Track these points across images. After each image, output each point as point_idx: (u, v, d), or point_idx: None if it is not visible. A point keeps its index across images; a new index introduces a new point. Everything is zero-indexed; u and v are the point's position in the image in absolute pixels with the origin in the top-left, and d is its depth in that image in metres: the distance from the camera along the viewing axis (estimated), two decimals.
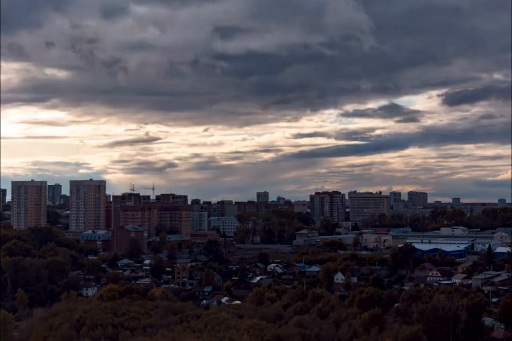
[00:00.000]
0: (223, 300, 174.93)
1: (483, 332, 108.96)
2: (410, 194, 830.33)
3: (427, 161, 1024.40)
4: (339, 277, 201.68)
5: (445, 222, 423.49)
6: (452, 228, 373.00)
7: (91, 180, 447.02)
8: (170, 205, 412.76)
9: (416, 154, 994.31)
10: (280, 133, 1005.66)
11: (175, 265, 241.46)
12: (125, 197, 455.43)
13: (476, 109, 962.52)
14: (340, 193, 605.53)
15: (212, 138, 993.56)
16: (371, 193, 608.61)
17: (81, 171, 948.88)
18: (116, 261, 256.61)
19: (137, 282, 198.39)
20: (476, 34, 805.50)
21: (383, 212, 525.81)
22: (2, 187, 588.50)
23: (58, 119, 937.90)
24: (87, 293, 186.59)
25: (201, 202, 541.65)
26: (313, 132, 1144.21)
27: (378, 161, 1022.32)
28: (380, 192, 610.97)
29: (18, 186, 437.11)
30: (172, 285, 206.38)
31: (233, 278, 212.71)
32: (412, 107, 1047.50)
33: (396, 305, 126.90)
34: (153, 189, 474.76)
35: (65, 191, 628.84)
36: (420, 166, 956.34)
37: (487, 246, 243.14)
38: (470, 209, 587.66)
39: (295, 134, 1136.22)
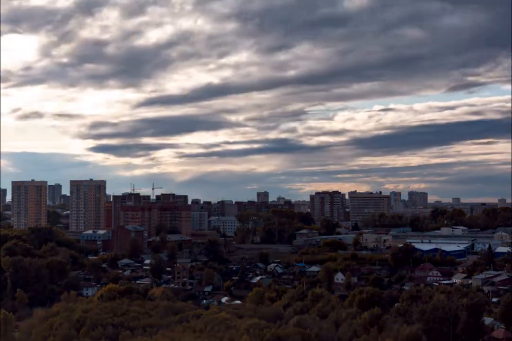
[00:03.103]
0: (223, 300, 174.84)
1: (483, 332, 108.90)
2: (410, 193, 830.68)
3: None
4: (339, 277, 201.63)
5: (445, 222, 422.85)
6: (452, 228, 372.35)
7: (91, 179, 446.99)
8: (170, 204, 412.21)
9: None
10: None
11: (175, 265, 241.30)
12: (125, 197, 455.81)
13: None
14: (340, 192, 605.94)
15: None
16: (371, 193, 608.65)
17: None
18: (116, 261, 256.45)
19: (137, 282, 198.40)
20: None
21: (383, 212, 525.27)
22: (2, 187, 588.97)
23: None
24: (87, 293, 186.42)
25: (201, 202, 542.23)
26: None
27: None
28: (380, 192, 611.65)
29: (18, 186, 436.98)
30: (172, 285, 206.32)
31: (233, 278, 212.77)
32: None
33: (396, 305, 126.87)
34: (153, 189, 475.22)
35: (65, 191, 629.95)
36: None
37: (487, 245, 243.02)
38: (470, 209, 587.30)
39: None
